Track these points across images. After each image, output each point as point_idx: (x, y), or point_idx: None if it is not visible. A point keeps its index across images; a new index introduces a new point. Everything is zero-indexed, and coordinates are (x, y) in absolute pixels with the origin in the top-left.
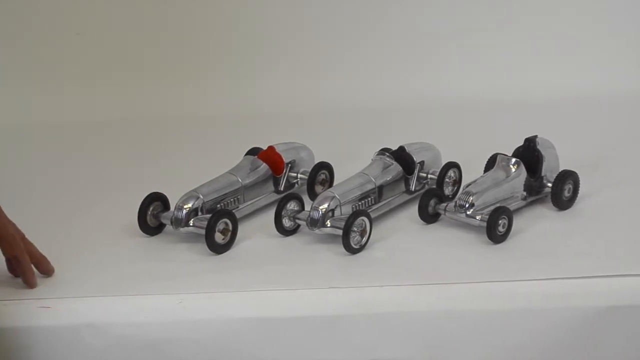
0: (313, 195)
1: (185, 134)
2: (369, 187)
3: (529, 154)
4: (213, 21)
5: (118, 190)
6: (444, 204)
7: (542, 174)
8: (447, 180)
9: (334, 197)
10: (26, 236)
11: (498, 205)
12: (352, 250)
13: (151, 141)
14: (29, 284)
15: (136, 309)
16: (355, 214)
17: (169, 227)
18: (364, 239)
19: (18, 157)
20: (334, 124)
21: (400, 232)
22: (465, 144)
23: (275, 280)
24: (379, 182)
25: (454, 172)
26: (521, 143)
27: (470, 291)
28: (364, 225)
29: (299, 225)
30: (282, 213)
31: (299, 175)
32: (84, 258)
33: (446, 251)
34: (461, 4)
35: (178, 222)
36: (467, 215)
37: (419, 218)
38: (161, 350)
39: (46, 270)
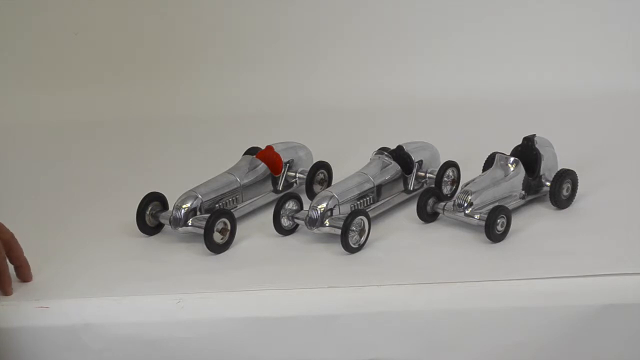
0: (311, 195)
1: (183, 134)
2: (368, 186)
3: (528, 153)
4: (212, 22)
5: (117, 190)
6: (443, 203)
7: (541, 172)
8: (445, 179)
9: (332, 196)
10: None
11: (496, 204)
12: (351, 250)
13: (149, 141)
14: (4, 291)
15: (134, 309)
16: (354, 214)
17: (167, 227)
18: (363, 239)
19: (17, 157)
20: (332, 124)
21: (399, 232)
22: (464, 143)
23: (273, 279)
24: (378, 181)
25: (453, 171)
26: (519, 142)
27: (469, 290)
28: (362, 225)
29: (297, 225)
30: (281, 212)
31: (298, 175)
32: (83, 258)
33: (445, 250)
34: (461, 3)
35: (176, 222)
36: (466, 214)
37: (417, 217)
38: (159, 350)
39: (24, 276)
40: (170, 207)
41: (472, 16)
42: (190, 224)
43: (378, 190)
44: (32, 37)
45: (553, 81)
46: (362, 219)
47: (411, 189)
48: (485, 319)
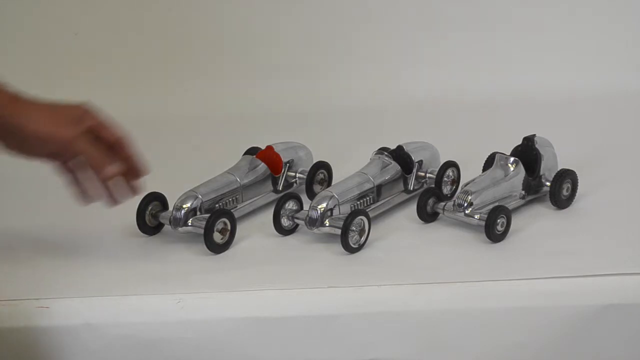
0: (311, 195)
1: (183, 134)
2: (368, 186)
3: (528, 153)
4: (212, 21)
5: None
6: (443, 203)
7: (541, 172)
8: (445, 179)
9: (332, 196)
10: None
11: (496, 204)
12: (351, 250)
13: (149, 141)
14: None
15: (134, 309)
16: (354, 214)
17: (167, 227)
18: (363, 239)
19: (17, 157)
20: (332, 124)
21: (399, 232)
22: (464, 143)
23: (273, 279)
24: (378, 181)
25: (453, 171)
26: (519, 142)
27: (469, 290)
28: (362, 225)
29: (297, 225)
30: (281, 212)
31: (298, 175)
32: (83, 258)
33: (445, 250)
34: (461, 3)
35: (176, 222)
36: (466, 214)
37: (417, 217)
38: (159, 350)
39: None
40: (170, 207)
41: (472, 16)
42: (190, 224)
43: (378, 190)
44: (32, 37)
45: (553, 81)
46: (362, 219)
47: (411, 189)
48: (485, 319)
